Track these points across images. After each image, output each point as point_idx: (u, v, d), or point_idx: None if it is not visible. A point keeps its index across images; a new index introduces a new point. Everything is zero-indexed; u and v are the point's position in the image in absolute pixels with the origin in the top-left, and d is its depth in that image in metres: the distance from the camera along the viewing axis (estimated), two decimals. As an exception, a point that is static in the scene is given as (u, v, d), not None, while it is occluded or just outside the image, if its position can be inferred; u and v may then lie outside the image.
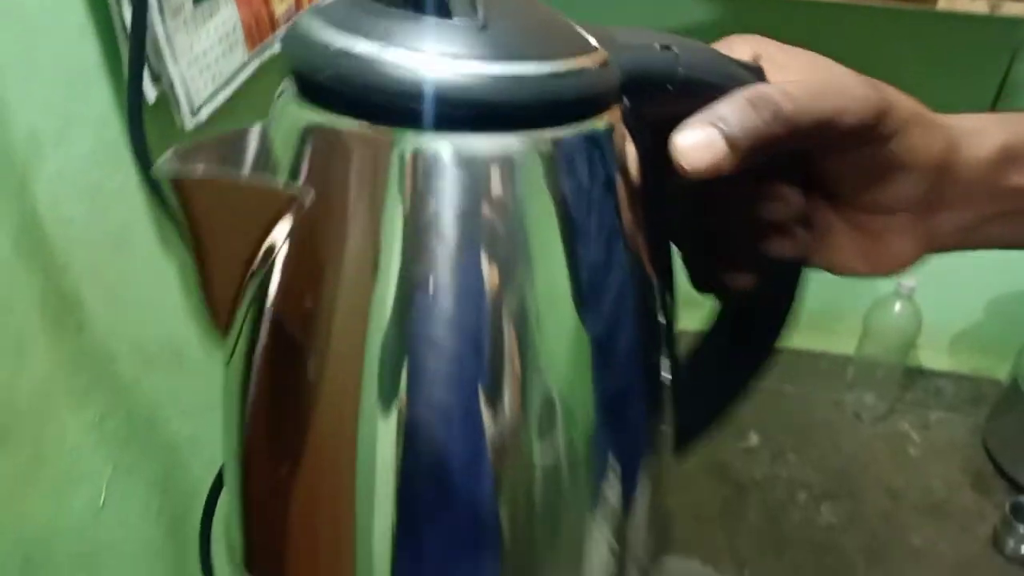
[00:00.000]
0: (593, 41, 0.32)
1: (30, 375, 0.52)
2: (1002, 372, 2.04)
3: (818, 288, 2.11)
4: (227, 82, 0.64)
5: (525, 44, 0.29)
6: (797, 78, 0.37)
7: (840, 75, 0.38)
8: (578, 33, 0.33)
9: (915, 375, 2.09)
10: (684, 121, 0.32)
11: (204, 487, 0.69)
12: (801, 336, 2.32)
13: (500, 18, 0.29)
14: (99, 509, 0.58)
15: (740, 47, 0.39)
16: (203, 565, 0.54)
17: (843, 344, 2.10)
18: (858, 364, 2.04)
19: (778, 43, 0.40)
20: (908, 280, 1.79)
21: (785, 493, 1.91)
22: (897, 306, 1.85)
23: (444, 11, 0.28)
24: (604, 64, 0.31)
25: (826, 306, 2.18)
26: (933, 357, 2.12)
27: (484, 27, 0.28)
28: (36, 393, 0.52)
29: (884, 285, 1.92)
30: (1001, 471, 1.86)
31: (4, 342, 0.50)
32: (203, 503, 0.57)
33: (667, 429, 0.42)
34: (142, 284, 0.61)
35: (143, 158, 0.53)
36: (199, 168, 0.30)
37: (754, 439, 2.01)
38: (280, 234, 0.30)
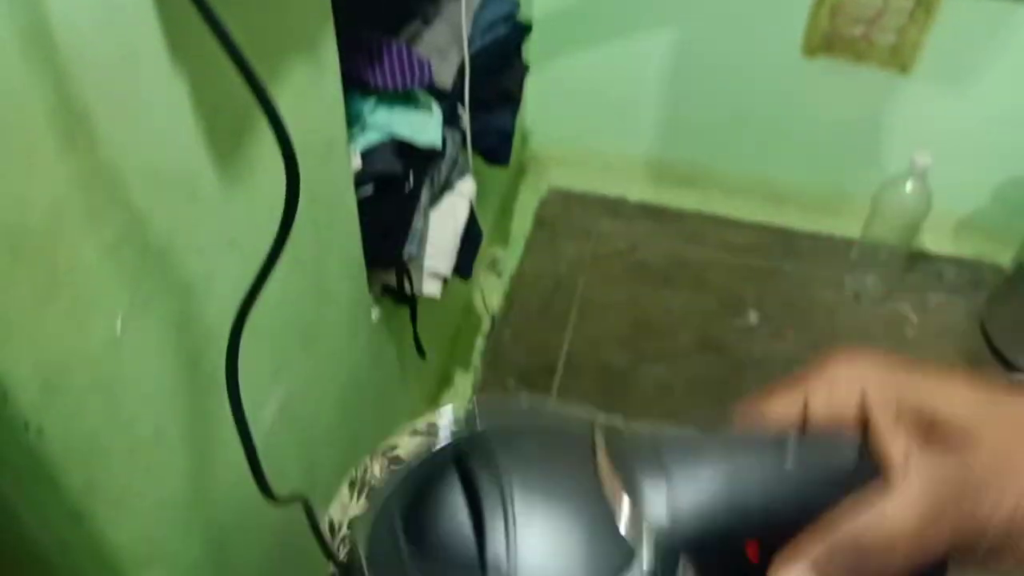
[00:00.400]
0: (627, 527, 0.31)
1: (41, 192, 0.48)
2: (1005, 257, 2.04)
3: (826, 169, 2.08)
4: None
5: None
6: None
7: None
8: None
9: (918, 258, 2.08)
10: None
11: (220, 330, 0.67)
12: (806, 217, 2.29)
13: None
14: (116, 340, 0.56)
15: (844, 379, 0.35)
16: (233, 407, 0.53)
17: (848, 226, 2.09)
18: (862, 246, 2.03)
19: (901, 369, 0.34)
20: (922, 157, 1.76)
21: (782, 371, 1.94)
22: (908, 185, 1.82)
23: None
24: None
25: (834, 188, 2.16)
26: (937, 240, 2.11)
27: None
28: (48, 211, 0.49)
29: (896, 163, 1.89)
30: (997, 353, 1.89)
31: (14, 154, 0.46)
32: (220, 345, 0.55)
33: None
34: (154, 105, 0.57)
35: None
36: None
37: (753, 318, 2.02)
38: None
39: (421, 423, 0.90)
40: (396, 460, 0.79)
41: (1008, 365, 1.87)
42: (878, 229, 1.96)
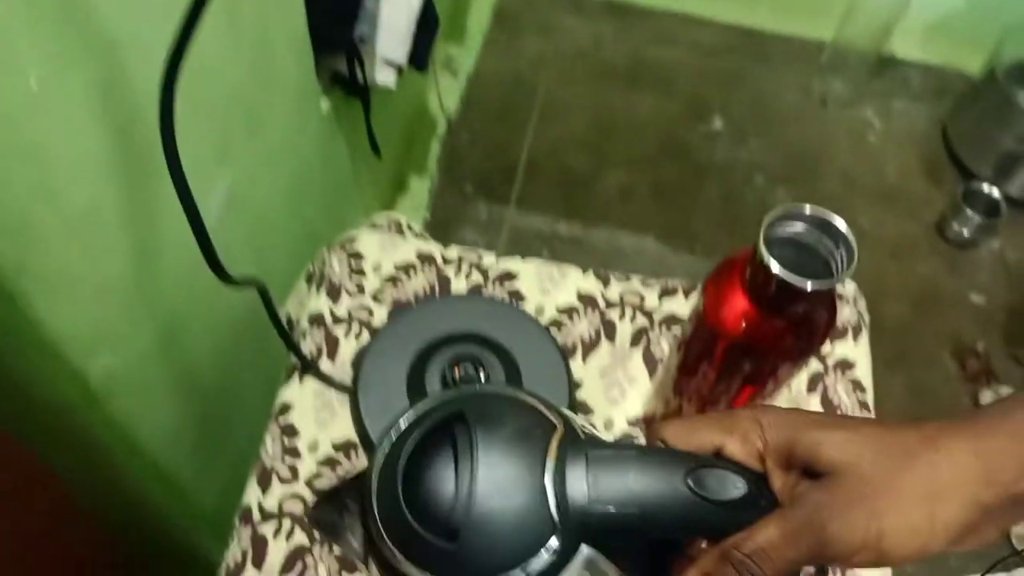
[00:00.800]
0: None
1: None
2: (973, 65, 1.99)
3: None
4: None
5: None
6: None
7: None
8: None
9: (887, 64, 2.02)
10: None
11: (151, 97, 0.59)
12: (779, 18, 2.18)
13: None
14: (34, 96, 0.49)
15: (752, 426, 0.42)
16: (174, 177, 0.47)
17: (820, 28, 2.00)
18: (833, 49, 1.96)
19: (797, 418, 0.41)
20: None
21: (743, 176, 1.92)
22: (889, -18, 1.73)
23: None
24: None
25: (807, -14, 2.04)
26: (907, 46, 2.05)
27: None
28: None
29: (878, -40, 1.78)
30: (956, 160, 1.90)
31: None
32: (155, 113, 0.48)
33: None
34: None
35: None
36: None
37: (717, 123, 1.97)
38: None
39: (380, 217, 0.85)
40: (356, 256, 0.76)
41: (966, 172, 1.88)
42: (851, 30, 1.88)
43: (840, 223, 0.47)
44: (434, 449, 0.41)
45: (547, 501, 0.39)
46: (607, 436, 0.67)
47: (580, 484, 0.39)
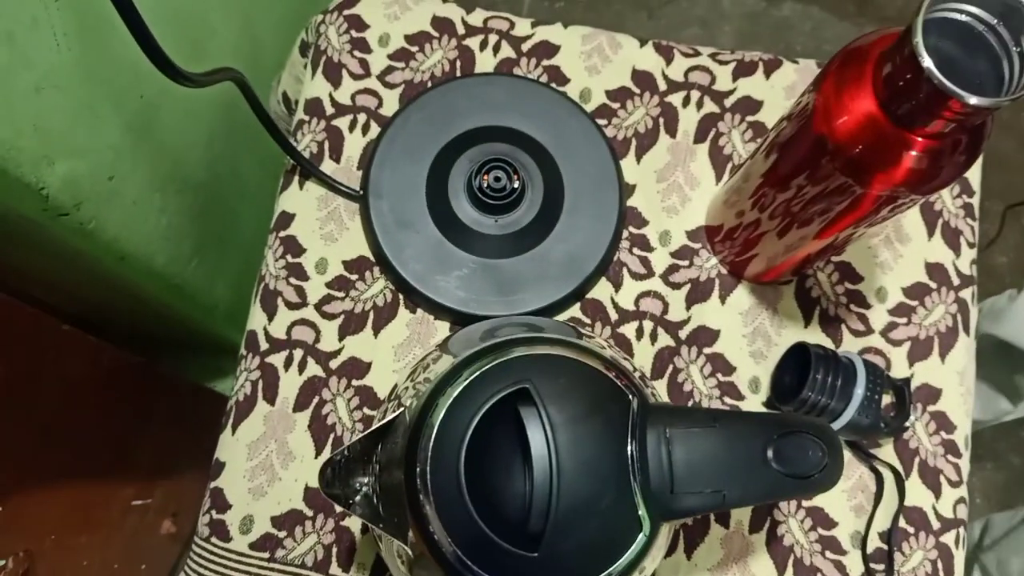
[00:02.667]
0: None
1: None
2: None
3: None
4: None
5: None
6: None
7: None
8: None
9: None
10: None
11: None
12: None
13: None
14: None
15: None
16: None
17: None
18: None
19: None
20: None
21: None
22: None
23: None
24: None
25: None
26: None
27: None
28: None
29: None
30: None
31: None
32: None
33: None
34: None
35: None
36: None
37: None
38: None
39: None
40: (358, 24, 0.60)
41: None
42: None
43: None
44: (499, 436, 0.35)
45: (633, 499, 0.34)
46: (663, 251, 0.57)
47: (663, 474, 0.35)
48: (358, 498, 0.38)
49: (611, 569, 0.33)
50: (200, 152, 0.73)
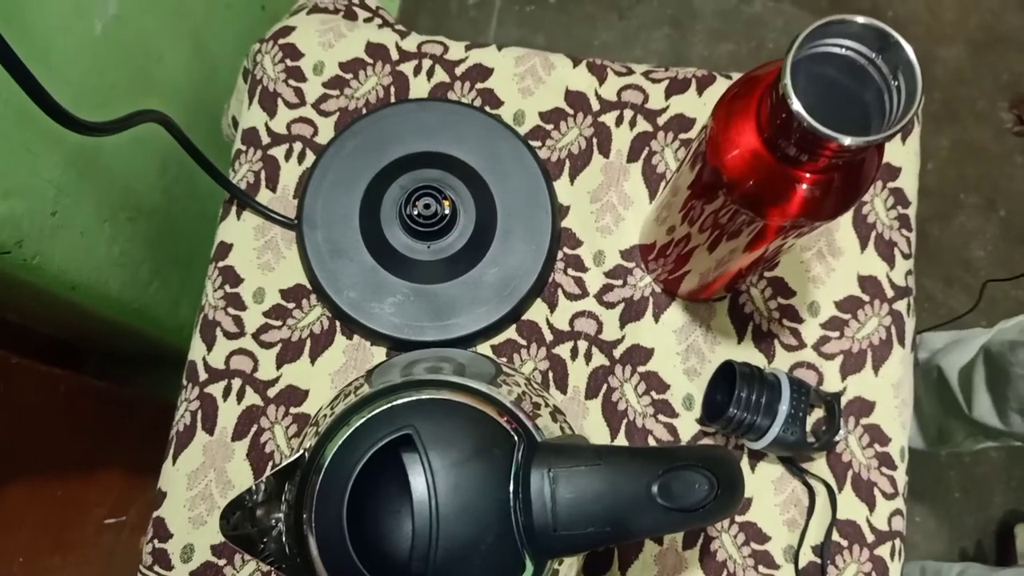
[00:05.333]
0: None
1: None
2: None
3: None
4: None
5: None
6: None
7: None
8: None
9: None
10: None
11: None
12: None
13: None
14: None
15: None
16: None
17: None
18: None
19: None
20: None
21: None
22: None
23: None
24: None
25: None
26: None
27: None
28: None
29: None
30: None
31: None
32: None
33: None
34: None
35: None
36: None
37: None
38: None
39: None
40: (292, 53, 0.60)
41: None
42: None
43: (903, 43, 0.33)
44: (383, 480, 0.35)
45: (515, 539, 0.34)
46: (597, 271, 0.58)
47: (547, 513, 0.35)
48: (273, 534, 0.39)
49: None
50: (152, 178, 0.74)
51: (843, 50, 0.35)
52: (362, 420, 0.35)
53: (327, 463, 0.34)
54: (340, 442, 0.35)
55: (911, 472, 0.56)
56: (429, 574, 0.33)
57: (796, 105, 0.33)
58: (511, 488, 0.34)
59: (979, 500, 1.30)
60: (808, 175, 0.37)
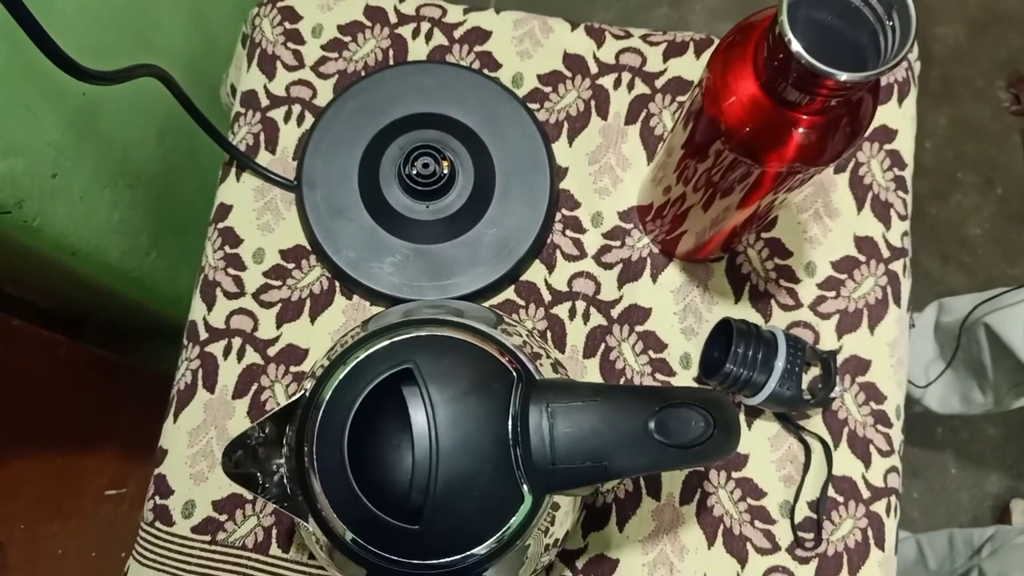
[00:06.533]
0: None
1: None
2: None
3: None
4: None
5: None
6: None
7: None
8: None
9: None
10: None
11: None
12: None
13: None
14: None
15: None
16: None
17: None
18: None
19: None
20: None
21: None
22: None
23: None
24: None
25: None
26: None
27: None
28: None
29: None
30: None
31: None
32: None
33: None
34: None
35: None
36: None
37: None
38: None
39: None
40: (291, 16, 0.61)
41: None
42: None
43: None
44: (383, 415, 0.36)
45: (514, 472, 0.35)
46: (595, 233, 0.58)
47: (545, 447, 0.35)
48: (275, 479, 0.39)
49: (491, 539, 0.34)
50: (152, 146, 0.74)
51: (837, -9, 0.36)
52: (361, 357, 0.35)
53: (328, 398, 0.35)
54: (341, 377, 0.35)
55: (908, 448, 0.57)
56: (428, 504, 0.33)
57: (794, 43, 0.33)
58: (510, 423, 0.35)
59: (976, 476, 1.31)
60: (805, 117, 0.38)
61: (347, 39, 0.61)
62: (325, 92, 0.60)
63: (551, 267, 0.58)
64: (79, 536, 0.84)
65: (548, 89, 0.60)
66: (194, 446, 0.54)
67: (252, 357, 0.56)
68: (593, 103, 0.60)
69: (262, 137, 0.59)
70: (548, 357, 0.44)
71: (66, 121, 0.60)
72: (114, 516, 0.90)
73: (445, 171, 0.55)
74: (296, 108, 0.60)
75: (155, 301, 0.85)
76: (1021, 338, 1.01)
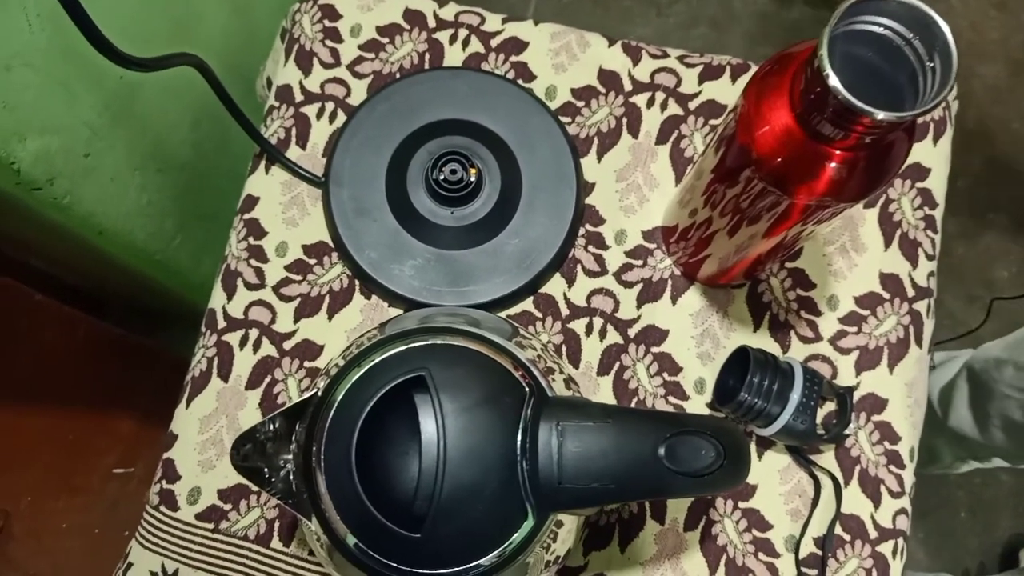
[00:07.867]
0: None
1: None
2: None
3: None
4: None
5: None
6: None
7: None
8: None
9: None
10: None
11: None
12: None
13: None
14: None
15: None
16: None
17: None
18: None
19: None
20: None
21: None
22: None
23: None
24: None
25: None
26: None
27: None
28: None
29: None
30: None
31: None
32: None
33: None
34: None
35: None
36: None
37: None
38: None
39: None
40: (331, 14, 0.61)
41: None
42: None
43: (941, 24, 0.33)
44: (393, 420, 0.36)
45: (519, 488, 0.35)
46: (617, 250, 0.58)
47: (552, 465, 0.35)
48: (281, 474, 0.39)
49: (493, 554, 0.34)
50: (185, 132, 0.74)
51: (880, 28, 0.35)
52: (376, 360, 0.35)
53: (340, 399, 0.35)
54: (354, 380, 0.35)
55: (918, 490, 0.56)
56: (432, 514, 0.33)
57: (832, 78, 0.33)
58: (519, 438, 0.35)
59: (986, 522, 1.29)
60: (838, 152, 0.37)
61: (384, 40, 0.61)
62: (359, 91, 0.60)
63: (571, 281, 0.58)
64: (84, 512, 0.85)
65: (581, 103, 0.60)
66: (204, 433, 0.55)
67: (268, 349, 0.56)
68: (625, 120, 0.60)
69: (294, 132, 0.60)
70: (561, 372, 0.44)
71: (102, 103, 0.61)
72: (120, 495, 0.90)
73: (472, 178, 0.55)
74: (329, 105, 0.60)
75: (177, 285, 0.85)
76: (936, 395, 1.00)
